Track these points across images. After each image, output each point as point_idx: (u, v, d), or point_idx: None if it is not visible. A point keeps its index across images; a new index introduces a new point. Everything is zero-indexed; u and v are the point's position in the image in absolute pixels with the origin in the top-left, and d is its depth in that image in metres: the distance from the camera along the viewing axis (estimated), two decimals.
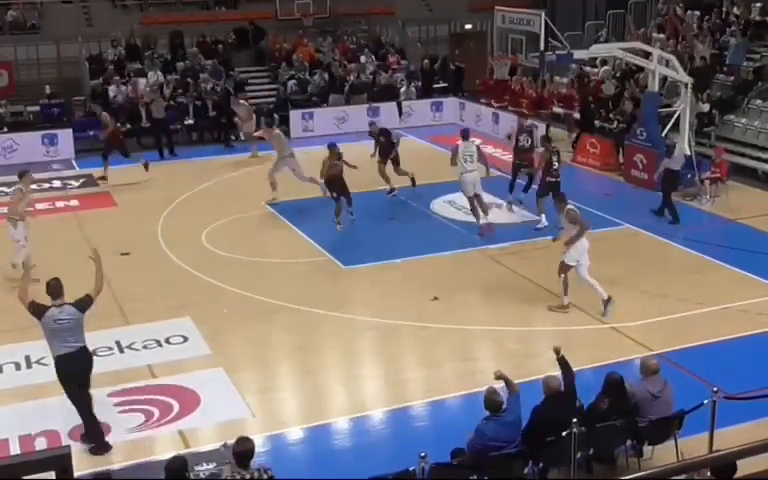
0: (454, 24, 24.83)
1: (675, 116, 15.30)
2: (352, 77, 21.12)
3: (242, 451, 5.76)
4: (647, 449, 6.97)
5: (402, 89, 21.12)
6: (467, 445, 6.48)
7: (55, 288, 7.24)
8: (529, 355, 9.35)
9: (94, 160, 17.44)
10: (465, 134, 13.07)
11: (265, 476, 5.77)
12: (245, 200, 14.53)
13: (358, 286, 11.15)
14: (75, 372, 7.23)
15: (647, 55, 15.55)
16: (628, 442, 6.90)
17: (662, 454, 6.85)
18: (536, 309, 10.45)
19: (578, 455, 6.48)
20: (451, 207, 13.87)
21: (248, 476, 5.69)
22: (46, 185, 15.91)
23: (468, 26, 24.90)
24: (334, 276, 11.45)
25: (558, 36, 15.58)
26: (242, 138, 18.10)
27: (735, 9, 19.48)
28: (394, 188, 14.60)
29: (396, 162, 14.71)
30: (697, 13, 20.03)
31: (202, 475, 6.29)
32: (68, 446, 4.29)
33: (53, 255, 12.22)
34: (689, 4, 20.42)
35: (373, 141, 14.78)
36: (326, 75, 21.09)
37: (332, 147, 13.28)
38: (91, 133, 18.57)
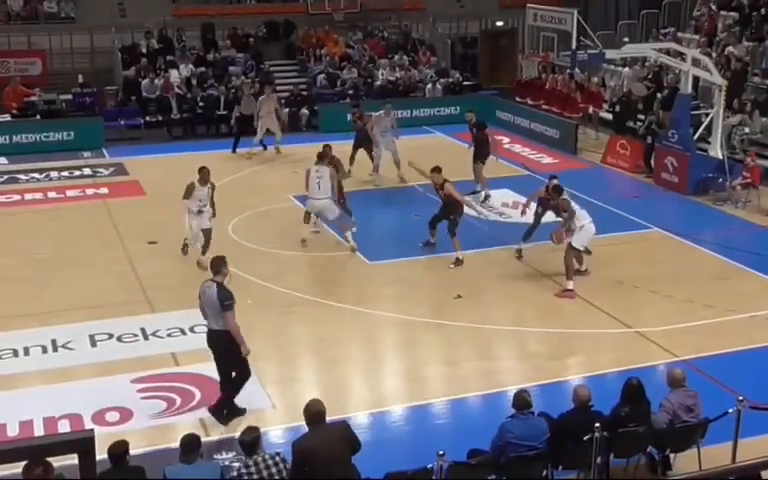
0: (485, 21, 24.67)
1: (708, 119, 15.04)
2: (381, 74, 21.06)
3: (248, 440, 5.84)
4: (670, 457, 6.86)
5: (428, 86, 21.01)
6: (491, 443, 6.41)
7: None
8: (552, 357, 9.27)
9: (124, 149, 17.69)
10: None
11: (277, 458, 5.82)
12: (272, 192, 14.59)
13: (382, 281, 11.13)
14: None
15: (681, 56, 15.29)
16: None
17: (684, 462, 6.74)
18: (560, 310, 10.34)
19: (598, 459, 6.41)
20: (476, 204, 13.76)
21: (259, 459, 5.76)
22: (77, 172, 16.17)
23: (499, 23, 24.72)
24: (358, 271, 11.46)
25: (590, 35, 15.39)
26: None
27: None
28: (486, 193, 14.21)
29: (478, 157, 14.25)
30: (733, 15, 19.62)
31: (221, 463, 6.35)
32: (91, 430, 4.34)
33: (82, 241, 12.46)
34: (725, 5, 20.00)
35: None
36: (355, 70, 21.07)
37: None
38: (121, 122, 18.82)
